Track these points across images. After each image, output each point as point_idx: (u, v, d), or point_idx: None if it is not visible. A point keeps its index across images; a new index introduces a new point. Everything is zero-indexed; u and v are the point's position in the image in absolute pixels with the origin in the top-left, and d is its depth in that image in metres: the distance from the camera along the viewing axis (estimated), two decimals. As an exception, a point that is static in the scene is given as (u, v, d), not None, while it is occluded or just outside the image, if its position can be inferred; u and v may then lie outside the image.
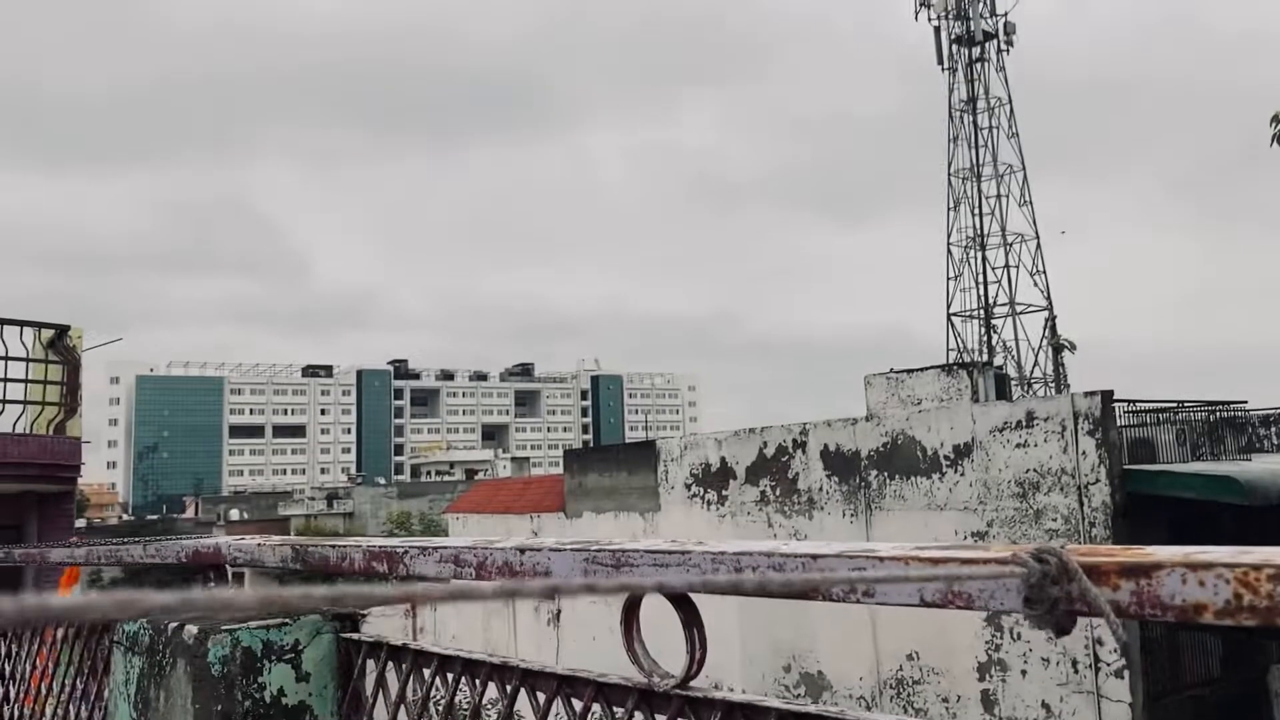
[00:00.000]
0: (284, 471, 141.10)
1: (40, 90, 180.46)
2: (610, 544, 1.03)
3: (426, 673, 1.32)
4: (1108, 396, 14.48)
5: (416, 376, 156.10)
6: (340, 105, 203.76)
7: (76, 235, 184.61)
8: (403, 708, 1.37)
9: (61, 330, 9.06)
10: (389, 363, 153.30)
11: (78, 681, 1.94)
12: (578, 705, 1.14)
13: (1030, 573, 0.68)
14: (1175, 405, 17.02)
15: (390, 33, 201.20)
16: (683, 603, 0.93)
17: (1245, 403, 18.86)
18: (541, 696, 1.19)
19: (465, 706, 1.26)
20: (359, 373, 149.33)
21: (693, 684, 1.03)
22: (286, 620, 1.44)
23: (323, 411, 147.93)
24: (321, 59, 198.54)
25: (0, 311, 8.32)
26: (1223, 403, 18.43)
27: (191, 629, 1.52)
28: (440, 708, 1.27)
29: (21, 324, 9.00)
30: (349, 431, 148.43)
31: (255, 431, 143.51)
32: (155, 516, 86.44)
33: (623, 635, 1.07)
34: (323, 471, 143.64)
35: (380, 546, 1.37)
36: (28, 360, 8.70)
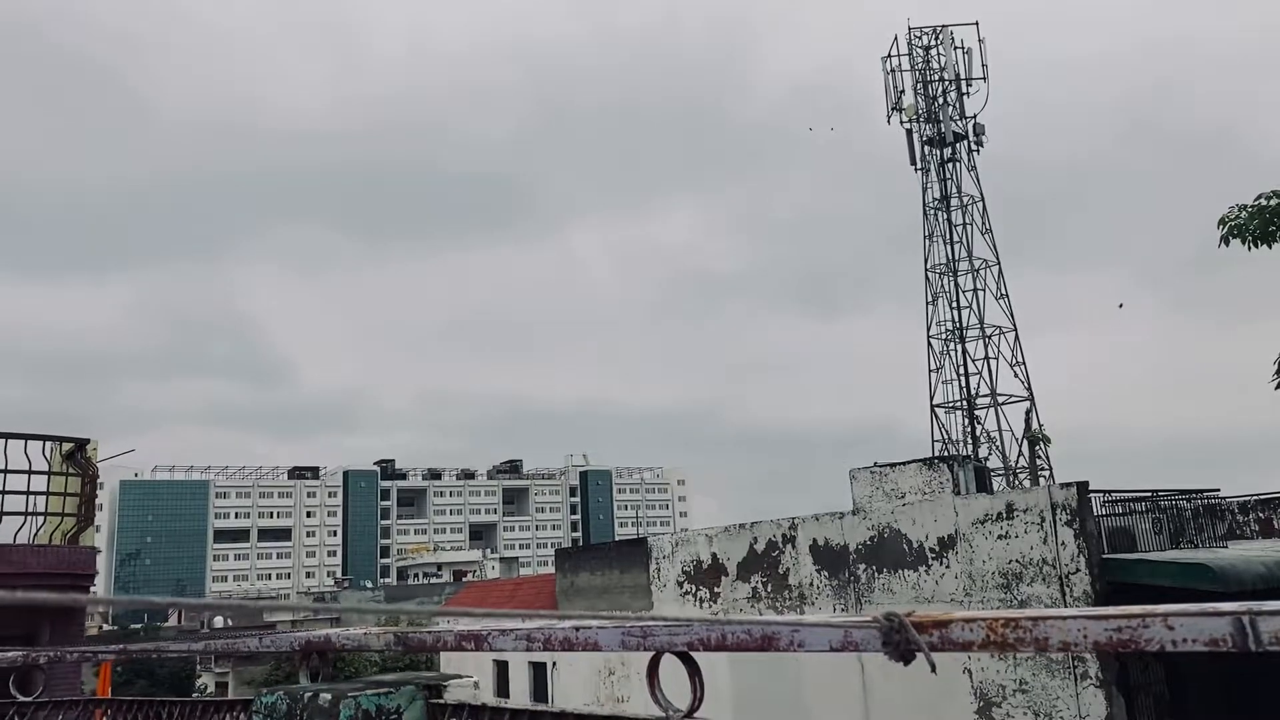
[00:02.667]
0: (269, 576, 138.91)
1: (19, 193, 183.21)
2: (639, 619, 1.53)
3: (499, 725, 1.81)
4: (1083, 488, 14.98)
5: (403, 476, 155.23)
6: (324, 206, 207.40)
7: (56, 339, 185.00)
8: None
9: (80, 444, 9.50)
10: (376, 463, 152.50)
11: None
12: (616, 738, 1.63)
13: (883, 628, 1.18)
14: (1150, 494, 17.51)
15: (373, 136, 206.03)
16: (686, 658, 1.44)
17: (1218, 490, 19.38)
18: (587, 736, 1.68)
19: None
20: (345, 473, 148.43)
21: (695, 714, 1.52)
22: (391, 689, 1.91)
23: (309, 514, 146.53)
24: (303, 161, 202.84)
25: None
26: (1196, 491, 18.93)
27: (326, 696, 1.98)
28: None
29: (43, 438, 9.45)
30: (335, 534, 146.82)
31: (240, 535, 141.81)
32: (138, 625, 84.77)
33: (648, 683, 1.56)
34: (308, 575, 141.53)
35: (468, 630, 1.85)
36: (49, 474, 9.12)
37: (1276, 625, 0.99)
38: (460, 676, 24.36)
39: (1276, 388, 12.69)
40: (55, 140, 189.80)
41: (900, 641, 1.19)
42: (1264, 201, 12.40)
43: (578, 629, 1.67)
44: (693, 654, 1.48)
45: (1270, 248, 12.72)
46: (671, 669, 1.51)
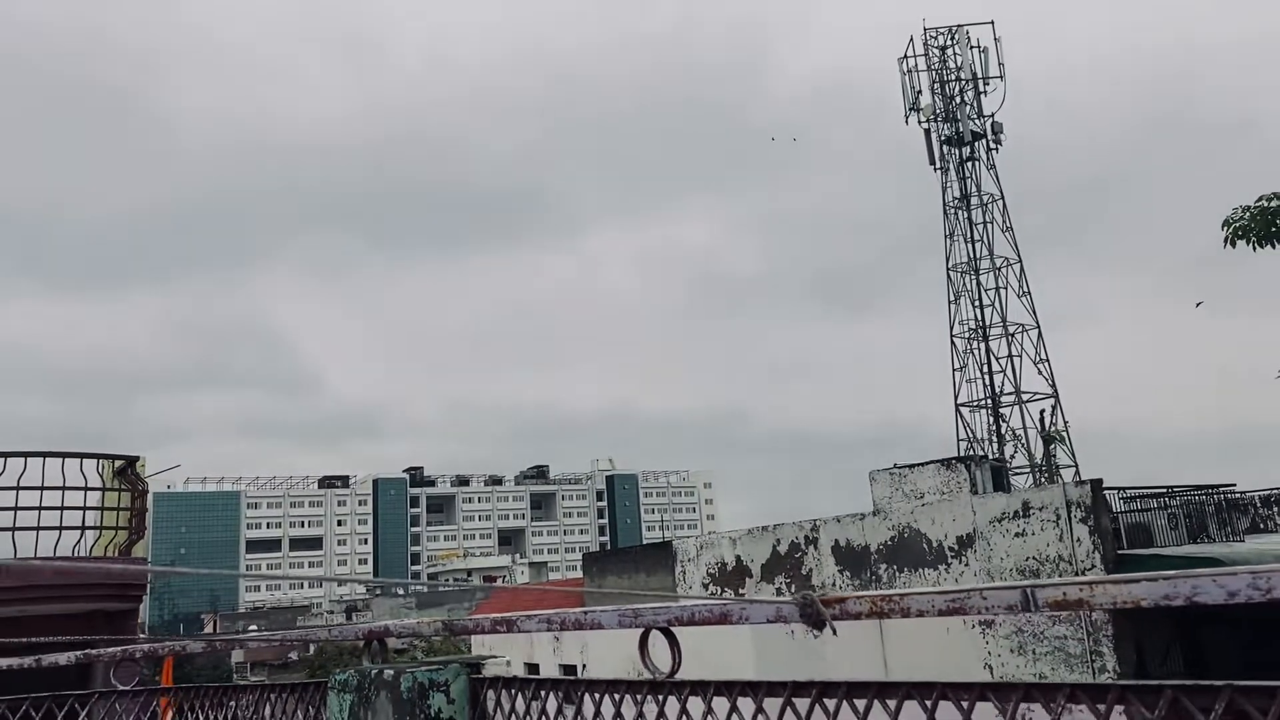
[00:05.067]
0: (301, 585, 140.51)
1: (48, 214, 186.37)
2: (631, 606, 1.97)
3: (527, 692, 2.25)
4: (1097, 485, 15.25)
5: (432, 483, 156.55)
6: (348, 218, 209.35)
7: (87, 356, 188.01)
8: (514, 715, 2.29)
9: (131, 460, 10.08)
10: (404, 470, 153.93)
11: (298, 711, 2.83)
12: (617, 697, 2.06)
13: (800, 604, 1.61)
14: (1166, 490, 17.72)
15: (395, 147, 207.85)
16: (667, 633, 1.89)
17: (1234, 485, 19.52)
18: (591, 696, 2.11)
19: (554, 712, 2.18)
20: (375, 482, 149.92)
21: (675, 676, 1.96)
22: (440, 666, 2.37)
23: (339, 522, 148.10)
24: (326, 174, 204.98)
25: (27, 436, 9.33)
26: (1212, 486, 19.10)
27: (389, 672, 2.46)
28: (543, 714, 2.19)
29: (96, 456, 10.04)
30: (365, 542, 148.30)
31: (272, 545, 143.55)
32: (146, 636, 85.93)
33: (639, 652, 2.01)
34: (340, 584, 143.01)
35: (502, 617, 2.32)
36: (103, 490, 9.69)
37: (1048, 594, 1.40)
38: (495, 656, 25.10)
39: (1225, 245, 12.89)
40: (82, 162, 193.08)
41: (812, 613, 1.62)
42: (1265, 203, 12.65)
43: (586, 613, 2.14)
44: (673, 629, 1.94)
45: (1274, 248, 12.97)
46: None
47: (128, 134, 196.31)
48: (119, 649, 3.99)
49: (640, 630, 1.96)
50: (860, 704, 1.62)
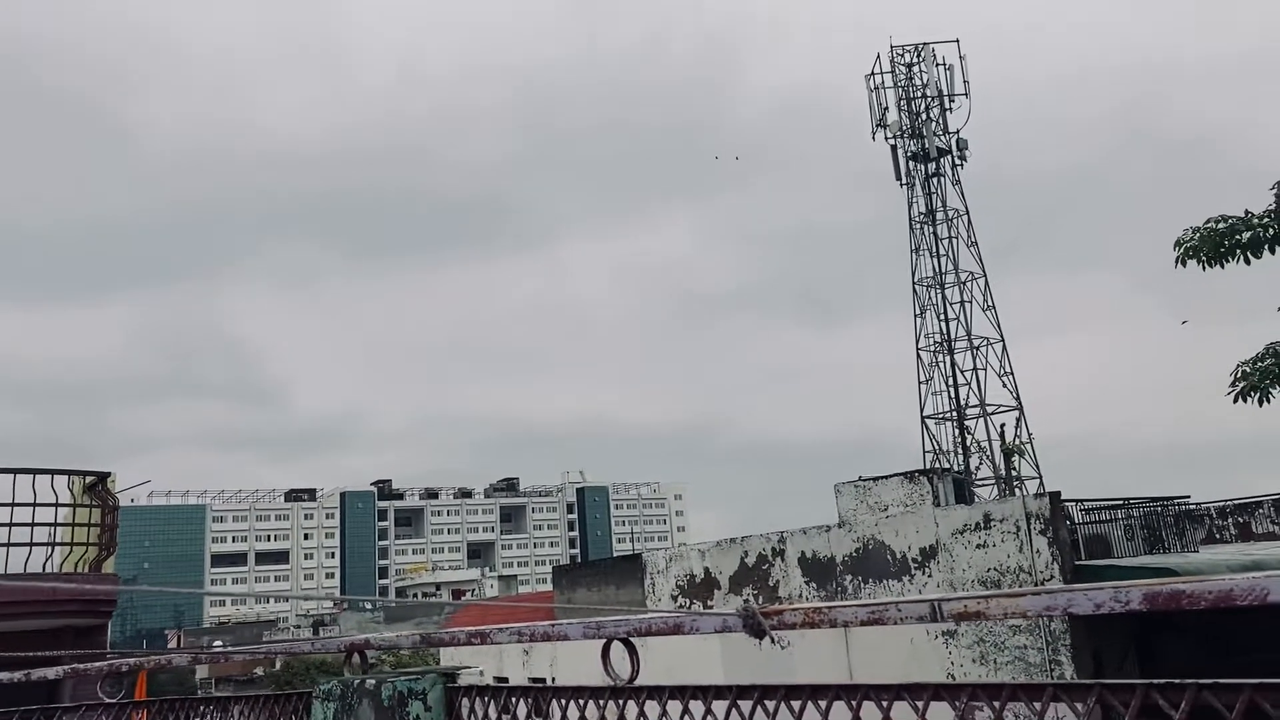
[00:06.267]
0: (267, 600, 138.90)
1: (14, 225, 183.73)
2: (595, 619, 2.17)
3: (499, 699, 2.44)
4: (1056, 498, 15.63)
5: (400, 496, 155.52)
6: (318, 229, 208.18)
7: (52, 367, 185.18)
8: (486, 720, 2.49)
9: (102, 476, 10.12)
10: (373, 483, 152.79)
11: (283, 722, 3.01)
12: (581, 702, 2.26)
13: (743, 615, 1.82)
14: (1123, 502, 18.16)
15: (366, 158, 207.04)
16: (627, 643, 2.09)
17: (1188, 497, 20.01)
18: (558, 702, 2.31)
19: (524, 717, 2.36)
20: (342, 495, 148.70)
21: (634, 682, 2.16)
22: (418, 675, 2.54)
23: (306, 536, 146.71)
24: (297, 185, 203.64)
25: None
26: (1167, 498, 19.57)
27: (370, 681, 2.63)
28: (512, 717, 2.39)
29: (66, 473, 10.07)
30: (332, 555, 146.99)
31: (238, 559, 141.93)
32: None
33: (602, 661, 2.20)
34: (306, 598, 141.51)
35: (476, 630, 2.52)
36: (74, 506, 9.73)
37: (951, 606, 1.62)
38: (469, 667, 25.17)
39: (1233, 400, 13.36)
40: (49, 173, 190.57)
41: (753, 624, 1.84)
42: (1214, 225, 13.10)
43: (554, 625, 2.34)
44: (632, 639, 2.15)
45: (1223, 267, 13.42)
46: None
47: (97, 143, 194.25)
48: (105, 664, 4.12)
49: (603, 641, 2.17)
50: (795, 704, 1.85)
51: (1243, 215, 13.16)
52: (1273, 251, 13.06)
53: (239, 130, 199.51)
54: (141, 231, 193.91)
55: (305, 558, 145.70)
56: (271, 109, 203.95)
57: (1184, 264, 13.65)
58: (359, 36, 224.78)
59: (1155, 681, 1.74)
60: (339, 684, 2.76)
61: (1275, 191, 13.12)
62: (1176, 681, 1.72)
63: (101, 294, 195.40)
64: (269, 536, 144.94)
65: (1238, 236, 13.06)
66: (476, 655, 27.89)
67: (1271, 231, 12.86)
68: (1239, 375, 13.22)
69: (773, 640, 1.79)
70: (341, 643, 2.98)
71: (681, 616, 1.97)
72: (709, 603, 21.76)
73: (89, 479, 10.20)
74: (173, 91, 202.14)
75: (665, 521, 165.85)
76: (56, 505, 9.57)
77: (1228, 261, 13.21)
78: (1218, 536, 23.52)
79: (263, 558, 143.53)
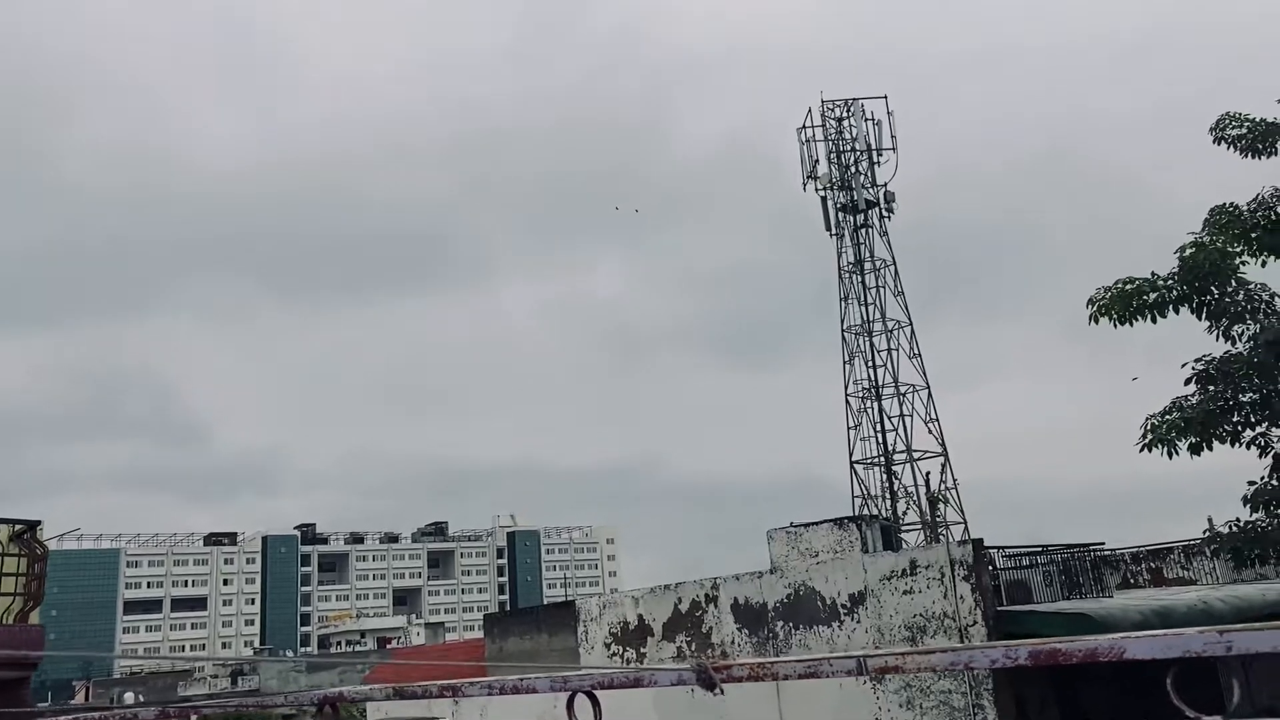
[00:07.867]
0: (183, 647, 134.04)
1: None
2: (561, 673, 2.37)
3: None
4: (979, 545, 16.15)
5: (324, 541, 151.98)
6: (243, 265, 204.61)
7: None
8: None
9: (31, 525, 9.93)
10: (296, 527, 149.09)
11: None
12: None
13: (697, 670, 2.05)
14: (1041, 549, 18.82)
15: (296, 194, 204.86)
16: (590, 695, 2.29)
17: (1103, 544, 20.80)
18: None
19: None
20: (264, 539, 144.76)
21: (598, 734, 2.37)
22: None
23: (225, 581, 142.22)
24: (223, 220, 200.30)
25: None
26: (1084, 545, 20.31)
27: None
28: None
29: (-7, 521, 9.86)
30: (253, 601, 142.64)
31: (153, 605, 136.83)
32: (44, 705, 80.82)
33: (567, 713, 2.40)
34: (224, 645, 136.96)
35: (448, 683, 2.69)
36: (1, 555, 9.52)
37: (875, 662, 1.88)
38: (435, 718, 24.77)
39: (1140, 451, 14.04)
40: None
41: (706, 678, 2.06)
42: (1124, 285, 13.85)
43: (523, 679, 2.53)
44: (595, 692, 2.34)
45: (1132, 326, 14.16)
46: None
47: (15, 169, 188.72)
48: (64, 717, 4.13)
49: (568, 694, 2.37)
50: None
51: (1149, 277, 13.94)
52: (1177, 312, 13.85)
53: (166, 162, 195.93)
54: (62, 262, 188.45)
55: (224, 604, 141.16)
56: (201, 141, 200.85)
57: (1097, 321, 14.36)
58: (294, 72, 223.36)
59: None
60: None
61: (1178, 255, 13.94)
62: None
63: (12, 326, 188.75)
64: (186, 582, 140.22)
65: (1144, 297, 13.80)
66: (399, 709, 27.38)
67: (1174, 294, 13.63)
68: (1148, 429, 13.92)
69: (721, 692, 2.01)
70: (314, 696, 3.12)
71: (642, 671, 2.18)
72: (642, 650, 21.80)
73: (17, 527, 10.00)
74: (100, 121, 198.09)
75: (597, 566, 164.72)
76: (-20, 555, 9.36)
77: (1137, 320, 13.95)
78: (1132, 581, 24.38)
79: (179, 604, 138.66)
